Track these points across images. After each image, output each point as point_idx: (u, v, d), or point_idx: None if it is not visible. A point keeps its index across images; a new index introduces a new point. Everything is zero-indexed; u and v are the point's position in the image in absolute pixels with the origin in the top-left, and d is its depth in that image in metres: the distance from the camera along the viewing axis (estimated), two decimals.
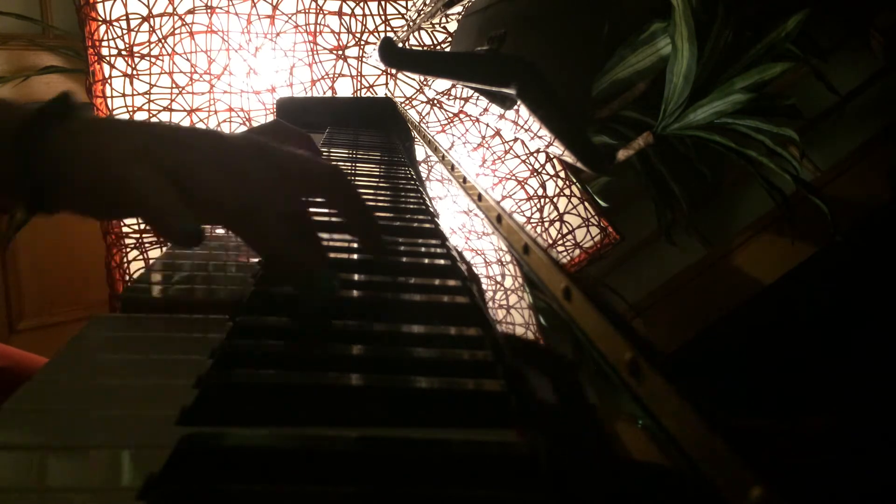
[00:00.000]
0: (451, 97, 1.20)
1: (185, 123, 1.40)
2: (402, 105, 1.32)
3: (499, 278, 0.48)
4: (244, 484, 0.25)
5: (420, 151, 0.94)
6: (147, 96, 1.38)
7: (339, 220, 0.47)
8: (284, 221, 0.41)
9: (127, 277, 1.43)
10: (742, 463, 0.18)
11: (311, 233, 0.45)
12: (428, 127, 1.10)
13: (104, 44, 1.34)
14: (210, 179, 0.38)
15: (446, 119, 1.28)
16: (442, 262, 0.51)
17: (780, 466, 0.17)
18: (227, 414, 0.29)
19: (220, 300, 0.44)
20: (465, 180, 0.61)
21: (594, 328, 0.29)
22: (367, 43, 1.45)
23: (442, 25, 1.39)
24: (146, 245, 1.45)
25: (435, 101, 1.41)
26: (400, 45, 1.34)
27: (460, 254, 0.53)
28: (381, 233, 0.46)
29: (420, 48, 1.43)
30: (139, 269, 1.44)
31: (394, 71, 1.46)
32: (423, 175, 0.84)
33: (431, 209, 0.66)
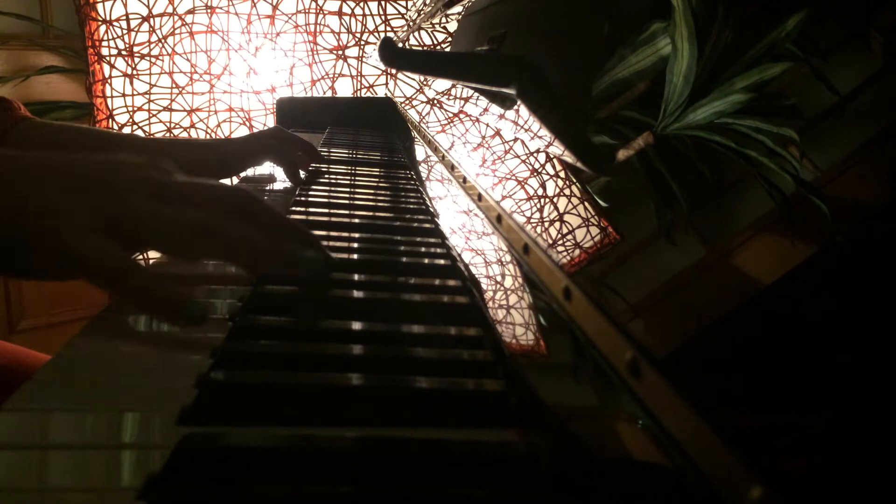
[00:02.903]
0: (451, 97, 1.20)
1: (186, 122, 1.40)
2: (402, 105, 1.32)
3: (499, 278, 0.48)
4: (244, 484, 0.25)
5: (420, 151, 0.94)
6: (147, 96, 1.38)
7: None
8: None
9: None
10: (742, 463, 0.18)
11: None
12: (428, 127, 1.10)
13: (104, 44, 1.34)
14: (143, 225, 0.38)
15: (446, 119, 1.28)
16: (442, 262, 0.51)
17: (780, 466, 0.17)
18: (227, 414, 0.29)
19: None
20: (465, 180, 0.61)
21: (594, 328, 0.29)
22: (367, 43, 1.45)
23: (442, 25, 1.39)
24: None
25: (435, 101, 1.41)
26: (400, 45, 1.34)
27: (460, 254, 0.53)
28: (316, 239, 0.42)
29: (420, 48, 1.43)
30: None
31: (394, 71, 1.46)
32: (423, 175, 0.84)
33: (431, 209, 0.66)
